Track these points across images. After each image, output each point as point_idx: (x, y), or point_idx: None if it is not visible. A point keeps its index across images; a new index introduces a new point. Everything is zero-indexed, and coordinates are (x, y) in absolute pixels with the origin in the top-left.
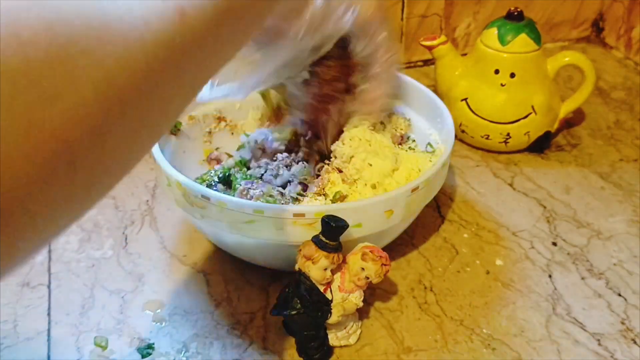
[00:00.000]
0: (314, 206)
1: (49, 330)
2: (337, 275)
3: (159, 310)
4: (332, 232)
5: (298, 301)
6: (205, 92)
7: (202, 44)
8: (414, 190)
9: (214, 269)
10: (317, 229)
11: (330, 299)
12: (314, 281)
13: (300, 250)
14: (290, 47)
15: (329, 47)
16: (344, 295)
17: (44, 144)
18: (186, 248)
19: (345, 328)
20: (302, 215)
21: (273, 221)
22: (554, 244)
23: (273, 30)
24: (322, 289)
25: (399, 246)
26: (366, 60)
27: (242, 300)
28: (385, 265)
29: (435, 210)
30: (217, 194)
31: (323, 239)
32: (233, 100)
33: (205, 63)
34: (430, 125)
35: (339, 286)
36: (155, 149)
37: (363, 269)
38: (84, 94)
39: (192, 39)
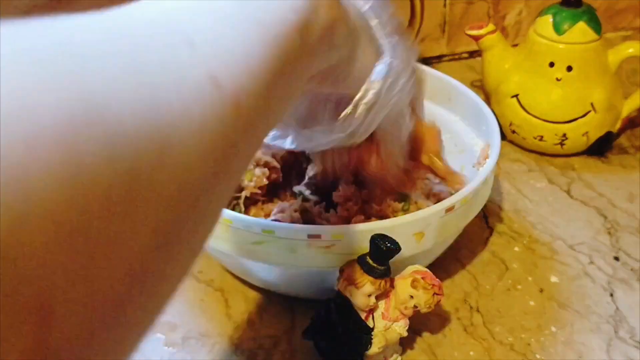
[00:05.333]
0: (331, 226)
1: None
2: (382, 301)
3: (171, 333)
4: (381, 255)
5: (335, 327)
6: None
7: (253, 127)
8: (448, 210)
9: (233, 287)
10: (335, 252)
11: (371, 327)
12: (355, 307)
13: (343, 270)
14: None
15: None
16: (387, 324)
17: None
18: (202, 264)
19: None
20: (318, 236)
21: (285, 242)
22: (616, 258)
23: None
24: (363, 315)
25: (441, 261)
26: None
27: (265, 323)
28: (437, 294)
29: (483, 221)
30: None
31: (370, 261)
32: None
33: (254, 140)
34: (472, 130)
35: (382, 313)
36: None
37: (412, 296)
38: (141, 241)
39: (244, 128)
